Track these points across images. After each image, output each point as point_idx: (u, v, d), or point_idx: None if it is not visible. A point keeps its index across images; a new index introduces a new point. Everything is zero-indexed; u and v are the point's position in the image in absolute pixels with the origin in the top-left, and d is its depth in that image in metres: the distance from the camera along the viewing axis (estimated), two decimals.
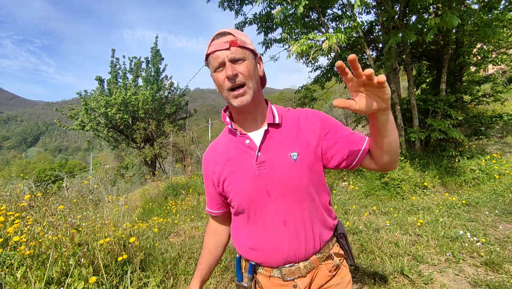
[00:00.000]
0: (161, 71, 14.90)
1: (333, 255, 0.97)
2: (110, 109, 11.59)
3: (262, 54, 6.41)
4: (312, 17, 5.77)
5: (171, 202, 6.71)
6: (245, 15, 6.37)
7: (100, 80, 13.10)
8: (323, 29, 5.60)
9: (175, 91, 15.72)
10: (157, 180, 11.82)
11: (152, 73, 14.35)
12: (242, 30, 6.36)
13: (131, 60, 14.24)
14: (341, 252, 1.03)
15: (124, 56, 14.70)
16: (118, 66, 13.60)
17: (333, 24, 6.57)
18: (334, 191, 5.24)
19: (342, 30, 3.99)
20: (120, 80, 13.63)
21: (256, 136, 0.94)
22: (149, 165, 14.42)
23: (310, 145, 0.92)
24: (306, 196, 0.91)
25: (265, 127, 0.94)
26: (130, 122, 12.95)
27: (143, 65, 14.39)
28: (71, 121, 12.81)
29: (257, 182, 0.90)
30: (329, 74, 6.12)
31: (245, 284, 1.00)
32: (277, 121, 0.94)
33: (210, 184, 1.04)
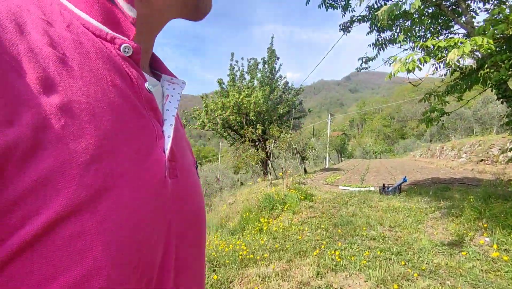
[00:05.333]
0: (276, 71, 14.98)
1: None
2: (225, 111, 12.45)
3: (374, 58, 5.22)
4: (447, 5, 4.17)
5: (263, 219, 6.50)
6: (354, 11, 5.29)
7: (220, 83, 14.24)
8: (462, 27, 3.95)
9: (289, 90, 15.56)
10: (267, 180, 12.04)
11: (267, 74, 14.56)
12: (349, 32, 5.33)
13: (249, 62, 14.84)
14: None
15: (242, 58, 15.46)
16: (236, 69, 14.41)
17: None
18: (464, 253, 3.68)
19: (490, 28, 2.54)
20: (237, 82, 14.44)
21: (157, 95, 0.41)
22: (262, 164, 14.86)
23: None
24: None
25: (179, 84, 0.46)
26: (244, 123, 13.60)
27: (260, 66, 14.76)
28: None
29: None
30: (469, 81, 4.27)
31: None
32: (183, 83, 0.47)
33: None
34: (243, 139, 14.17)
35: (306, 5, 5.23)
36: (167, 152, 0.37)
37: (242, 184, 17.06)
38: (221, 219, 8.82)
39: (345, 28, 5.28)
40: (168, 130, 0.39)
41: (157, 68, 0.47)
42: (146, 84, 0.37)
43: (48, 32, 0.28)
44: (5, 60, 0.24)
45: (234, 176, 18.95)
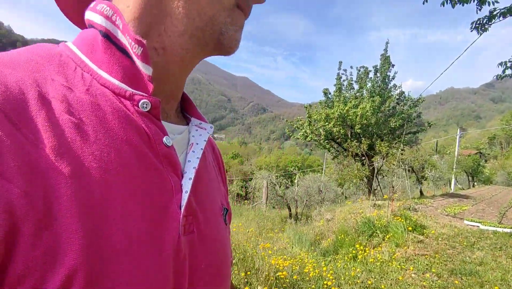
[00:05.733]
0: (390, 79, 13.55)
1: None
2: (329, 122, 11.91)
3: None
4: None
5: (359, 245, 5.80)
6: (497, 2, 4.12)
7: (325, 93, 13.77)
8: None
9: (405, 101, 13.79)
10: (371, 199, 10.91)
11: (379, 83, 13.30)
12: (486, 30, 4.21)
13: (359, 70, 13.91)
14: None
15: (351, 67, 14.39)
16: (343, 78, 13.70)
17: None
18: None
19: None
20: (344, 92, 13.70)
21: (182, 144, 0.42)
22: (367, 181, 13.63)
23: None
24: None
25: (206, 130, 0.46)
26: (349, 135, 12.76)
27: (371, 75, 13.64)
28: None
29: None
30: None
31: None
32: (211, 131, 0.46)
33: None
34: (346, 153, 13.35)
35: (423, 4, 4.36)
36: (182, 208, 0.36)
37: (346, 198, 16.11)
38: (316, 236, 8.44)
39: (480, 25, 4.16)
40: (187, 185, 0.38)
41: (188, 110, 0.47)
42: (164, 139, 0.37)
43: (67, 98, 0.30)
44: (24, 134, 0.26)
45: (338, 189, 18.11)
